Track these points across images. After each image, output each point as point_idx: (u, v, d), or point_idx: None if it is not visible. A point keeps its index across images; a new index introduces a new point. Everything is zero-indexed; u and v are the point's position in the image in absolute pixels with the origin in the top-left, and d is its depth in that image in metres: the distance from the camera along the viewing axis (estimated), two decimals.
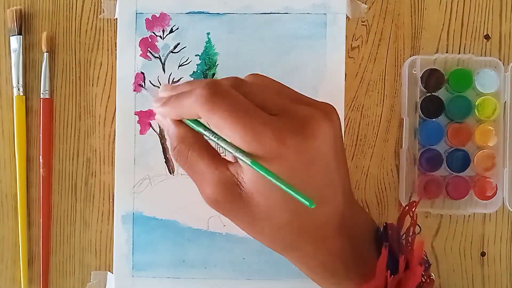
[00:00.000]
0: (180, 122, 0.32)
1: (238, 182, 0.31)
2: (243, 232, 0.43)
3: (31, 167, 0.44)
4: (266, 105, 0.30)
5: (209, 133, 0.31)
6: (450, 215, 0.44)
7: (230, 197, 0.31)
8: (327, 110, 0.31)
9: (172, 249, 0.44)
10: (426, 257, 0.38)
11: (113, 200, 0.44)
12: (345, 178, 0.34)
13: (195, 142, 0.32)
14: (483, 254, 0.44)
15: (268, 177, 0.28)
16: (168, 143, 0.44)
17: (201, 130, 0.31)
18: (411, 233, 0.37)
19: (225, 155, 0.33)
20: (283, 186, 0.28)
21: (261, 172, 0.28)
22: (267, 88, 0.32)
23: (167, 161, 0.44)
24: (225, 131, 0.29)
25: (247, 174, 0.30)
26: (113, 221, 0.44)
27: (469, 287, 0.44)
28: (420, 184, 0.43)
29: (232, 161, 0.32)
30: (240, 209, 0.31)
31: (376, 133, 0.44)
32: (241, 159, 0.29)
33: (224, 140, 0.30)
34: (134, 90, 0.44)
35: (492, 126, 0.43)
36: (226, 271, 0.44)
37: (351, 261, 0.33)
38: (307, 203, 0.27)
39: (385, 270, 0.33)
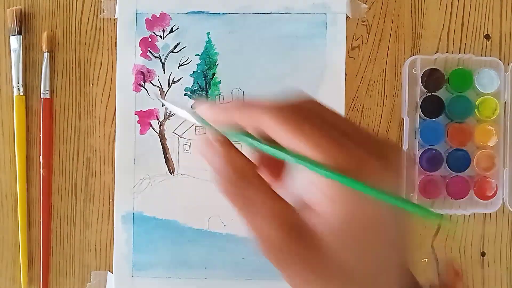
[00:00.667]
0: (230, 145, 0.26)
1: (310, 228, 0.25)
2: (243, 232, 0.44)
3: (31, 167, 0.44)
4: (339, 126, 0.25)
5: (265, 148, 0.25)
6: (450, 215, 0.44)
7: (300, 243, 0.25)
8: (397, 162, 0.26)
9: (172, 249, 0.44)
10: None
11: (113, 200, 0.44)
12: (405, 256, 0.28)
13: (255, 175, 0.26)
14: (483, 254, 0.44)
15: (360, 189, 0.23)
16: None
17: (262, 145, 0.25)
18: None
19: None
20: (398, 202, 0.23)
21: (350, 185, 0.23)
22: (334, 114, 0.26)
23: (167, 161, 0.44)
24: (304, 150, 0.24)
25: (327, 218, 0.24)
26: (113, 221, 0.44)
27: (469, 287, 0.44)
28: (420, 184, 0.43)
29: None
30: (310, 261, 0.25)
31: (376, 133, 0.44)
32: (318, 171, 0.24)
33: (294, 155, 0.24)
34: (134, 90, 0.44)
35: (492, 126, 0.43)
36: (226, 271, 0.44)
37: None
38: (438, 216, 0.23)
39: None
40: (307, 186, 0.25)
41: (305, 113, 0.25)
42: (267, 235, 0.25)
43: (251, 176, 0.26)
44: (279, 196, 0.26)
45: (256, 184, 0.26)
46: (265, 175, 0.28)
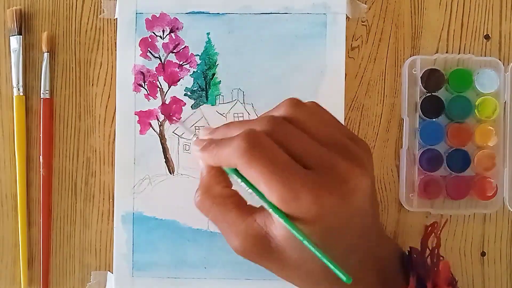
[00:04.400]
0: (212, 169, 0.32)
1: (267, 234, 0.30)
2: None
3: (31, 167, 0.44)
4: (303, 155, 0.29)
5: (247, 184, 0.29)
6: (450, 215, 0.44)
7: (259, 249, 0.30)
8: (363, 156, 0.30)
9: (172, 249, 0.44)
10: (452, 275, 0.38)
11: (113, 200, 0.44)
12: (378, 217, 0.33)
13: (219, 195, 0.31)
14: (483, 254, 0.44)
15: (304, 242, 0.28)
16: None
17: (238, 180, 0.30)
18: (435, 255, 0.37)
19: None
20: (320, 256, 0.27)
21: (297, 236, 0.28)
22: (302, 134, 0.30)
23: (167, 161, 0.44)
24: (262, 187, 0.28)
25: (279, 227, 0.29)
26: (113, 221, 0.44)
27: (469, 287, 0.44)
28: (420, 184, 0.43)
29: (258, 207, 0.31)
30: (269, 259, 0.30)
31: (376, 133, 0.44)
32: (279, 218, 0.28)
33: (262, 195, 0.29)
34: (134, 90, 0.44)
35: (492, 126, 0.43)
36: (226, 271, 0.44)
37: None
38: (343, 278, 0.27)
39: None
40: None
41: (270, 151, 0.28)
42: (233, 244, 0.31)
43: (216, 195, 0.32)
44: (243, 212, 0.31)
45: (219, 201, 0.31)
46: None
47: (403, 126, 0.44)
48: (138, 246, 0.44)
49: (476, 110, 0.43)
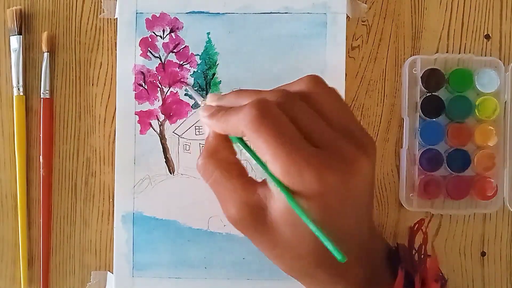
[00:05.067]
0: (219, 135, 0.32)
1: (265, 208, 0.30)
2: None
3: (31, 167, 0.44)
4: (312, 134, 0.29)
5: (251, 155, 0.29)
6: (450, 215, 0.44)
7: (255, 220, 0.30)
8: (368, 145, 0.31)
9: (172, 249, 0.44)
10: (442, 274, 0.38)
11: (113, 200, 0.44)
12: (372, 209, 0.33)
13: (224, 160, 0.31)
14: (483, 254, 0.44)
15: (302, 217, 0.28)
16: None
17: (243, 150, 0.30)
18: (423, 251, 0.37)
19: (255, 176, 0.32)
20: (316, 232, 0.27)
21: (296, 211, 0.28)
22: (313, 113, 0.30)
23: (167, 161, 0.44)
24: (267, 157, 0.28)
25: (277, 202, 0.29)
26: (113, 221, 0.44)
27: (469, 287, 0.44)
28: (420, 184, 0.43)
29: (260, 181, 0.31)
30: (262, 233, 0.30)
31: (376, 133, 0.44)
32: (280, 191, 0.29)
33: (265, 166, 0.29)
34: (134, 90, 0.44)
35: (492, 126, 0.43)
36: (226, 271, 0.44)
37: (367, 286, 0.33)
38: (338, 256, 0.27)
39: None
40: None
41: (278, 121, 0.28)
42: (230, 211, 0.31)
43: (221, 160, 0.31)
44: (244, 180, 0.31)
45: (224, 166, 0.31)
46: None
47: (403, 126, 0.44)
48: (138, 246, 0.44)
49: (476, 110, 0.43)
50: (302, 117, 0.30)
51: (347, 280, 0.32)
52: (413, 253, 0.37)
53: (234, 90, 0.44)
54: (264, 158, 0.29)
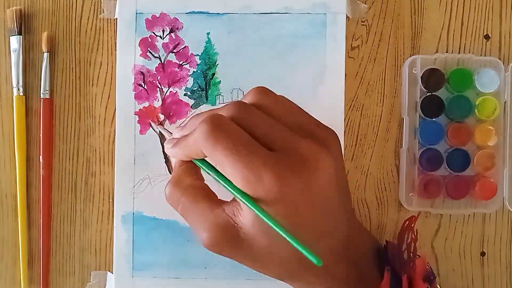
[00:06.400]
0: (183, 163, 0.33)
1: (236, 224, 0.30)
2: None
3: (31, 167, 0.44)
4: (267, 138, 0.29)
5: (216, 174, 0.30)
6: (450, 215, 0.44)
7: (228, 240, 0.30)
8: (328, 140, 0.31)
9: (172, 249, 0.44)
10: (431, 269, 0.38)
11: (113, 200, 0.44)
12: (348, 205, 0.33)
13: (190, 186, 0.32)
14: (483, 254, 0.44)
15: (271, 225, 0.28)
16: None
17: (206, 170, 0.31)
18: (412, 249, 0.37)
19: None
20: (288, 238, 0.27)
21: (264, 219, 0.28)
22: (267, 118, 0.30)
23: (167, 161, 0.44)
24: (227, 169, 0.29)
25: (247, 215, 0.29)
26: (113, 221, 0.44)
27: (469, 287, 0.44)
28: (420, 184, 0.43)
29: (229, 201, 0.31)
30: (239, 250, 0.30)
31: (376, 133, 0.44)
32: (244, 203, 0.29)
33: (228, 181, 0.29)
34: (134, 90, 0.44)
35: (492, 125, 0.43)
36: (226, 271, 0.44)
37: (354, 284, 0.33)
38: (314, 260, 0.27)
39: None
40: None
41: (232, 132, 0.29)
42: (202, 236, 0.31)
43: (186, 187, 0.32)
44: (212, 203, 0.31)
45: (189, 192, 0.31)
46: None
47: (403, 126, 0.44)
48: (138, 246, 0.44)
49: (476, 110, 0.43)
50: (256, 123, 0.30)
51: (334, 279, 0.32)
52: (403, 250, 0.37)
53: (233, 91, 0.44)
54: (225, 171, 0.29)
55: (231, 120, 0.29)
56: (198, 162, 0.31)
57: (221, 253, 0.31)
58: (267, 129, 0.30)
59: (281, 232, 0.27)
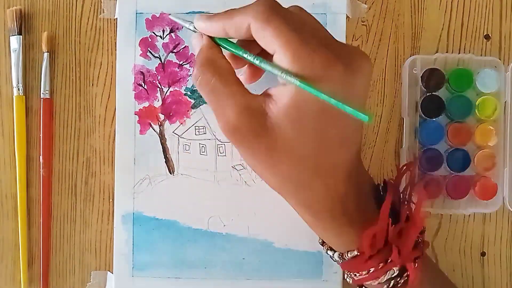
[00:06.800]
0: (214, 46, 0.32)
1: (266, 112, 0.30)
2: (243, 232, 0.44)
3: (31, 167, 0.44)
4: (318, 33, 0.30)
5: (249, 54, 0.30)
6: (450, 215, 0.44)
7: (254, 125, 0.30)
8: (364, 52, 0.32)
9: (172, 249, 0.44)
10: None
11: (113, 200, 0.44)
12: (362, 130, 0.34)
13: (223, 67, 0.31)
14: (483, 254, 0.44)
15: (318, 94, 0.28)
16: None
17: (240, 52, 0.31)
18: (408, 191, 0.37)
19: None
20: (335, 102, 0.27)
21: (311, 90, 0.28)
22: (317, 20, 0.32)
23: (167, 161, 0.44)
24: (275, 46, 0.29)
25: (280, 100, 0.29)
26: (113, 221, 0.44)
27: (469, 287, 0.44)
28: (420, 184, 0.43)
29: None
30: (261, 138, 0.30)
31: (376, 133, 0.44)
32: (287, 79, 0.29)
33: (266, 62, 0.29)
34: (134, 90, 0.44)
35: (492, 126, 0.43)
36: (226, 271, 0.44)
37: (354, 209, 0.33)
38: (365, 117, 0.27)
39: (387, 217, 0.33)
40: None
41: (286, 15, 0.29)
42: (227, 117, 0.30)
43: (219, 68, 0.31)
44: (240, 84, 0.31)
45: (222, 73, 0.31)
46: (246, 75, 0.36)
47: (403, 126, 0.44)
48: (138, 246, 0.44)
49: (476, 110, 0.43)
50: (306, 19, 0.31)
51: (338, 198, 0.32)
52: (400, 191, 0.37)
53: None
54: (272, 48, 0.29)
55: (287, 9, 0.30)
56: (224, 42, 0.31)
57: (241, 141, 0.31)
58: (316, 26, 0.31)
59: (331, 100, 0.27)
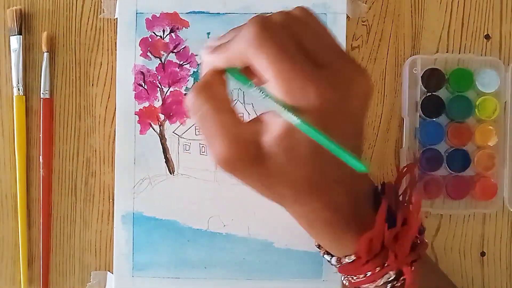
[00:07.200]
0: (216, 72, 0.31)
1: (258, 141, 0.29)
2: (243, 232, 0.44)
3: (31, 167, 0.44)
4: (313, 53, 0.29)
5: (255, 88, 0.29)
6: (450, 215, 0.44)
7: (247, 156, 0.29)
8: (363, 68, 0.31)
9: (172, 249, 0.44)
10: (422, 225, 0.38)
11: (113, 200, 0.44)
12: (363, 138, 0.33)
13: (218, 95, 0.30)
14: (483, 254, 0.44)
15: (313, 134, 0.27)
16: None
17: (246, 85, 0.30)
18: (408, 194, 0.37)
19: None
20: (330, 144, 0.27)
21: (310, 133, 0.27)
22: (318, 33, 0.30)
23: (167, 161, 0.44)
24: (269, 75, 0.28)
25: (273, 129, 0.28)
26: (113, 221, 0.44)
27: (469, 287, 0.44)
28: (420, 184, 0.43)
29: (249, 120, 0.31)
30: (254, 167, 0.29)
31: (376, 133, 0.44)
32: (282, 111, 0.28)
33: (264, 92, 0.28)
34: (134, 90, 0.44)
35: (492, 126, 0.43)
36: (226, 271, 0.44)
37: (351, 216, 0.33)
38: (362, 167, 0.27)
39: (383, 222, 0.33)
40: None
41: (278, 37, 0.28)
42: (218, 149, 0.29)
43: (214, 93, 0.30)
44: (233, 113, 0.30)
45: (216, 100, 0.30)
46: None
47: (403, 126, 0.44)
48: (138, 246, 0.44)
49: (476, 110, 0.43)
50: (303, 35, 0.29)
51: (336, 209, 0.32)
52: (399, 194, 0.37)
53: (232, 91, 0.44)
54: (267, 76, 0.28)
55: (281, 26, 0.28)
56: (232, 72, 0.30)
57: (233, 170, 0.30)
58: (313, 43, 0.29)
59: (322, 139, 0.27)
